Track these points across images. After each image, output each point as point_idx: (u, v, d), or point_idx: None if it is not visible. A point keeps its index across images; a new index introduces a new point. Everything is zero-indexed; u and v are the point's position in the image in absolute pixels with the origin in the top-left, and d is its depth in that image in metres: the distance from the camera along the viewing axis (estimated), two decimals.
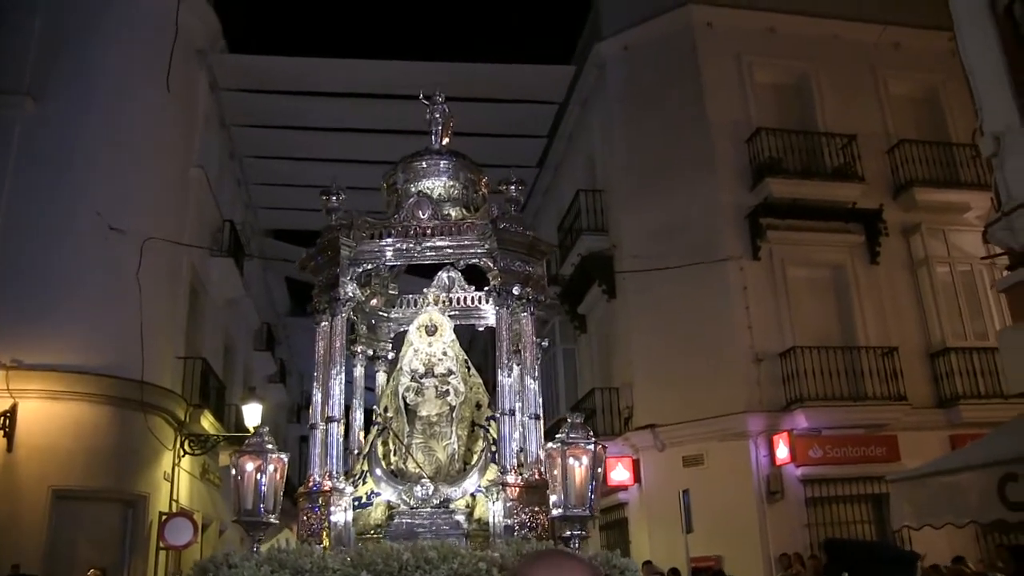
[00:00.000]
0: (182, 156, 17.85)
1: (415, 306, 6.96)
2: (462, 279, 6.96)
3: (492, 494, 5.36)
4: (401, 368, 6.39)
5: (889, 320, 17.73)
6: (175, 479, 16.65)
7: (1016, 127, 10.46)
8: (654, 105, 19.24)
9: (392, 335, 7.09)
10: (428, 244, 5.95)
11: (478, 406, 6.34)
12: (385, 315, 7.04)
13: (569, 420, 5.11)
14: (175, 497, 16.54)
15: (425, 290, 6.97)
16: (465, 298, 6.92)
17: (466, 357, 6.49)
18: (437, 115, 6.66)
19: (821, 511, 16.47)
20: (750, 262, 17.68)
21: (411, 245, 5.91)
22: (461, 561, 4.36)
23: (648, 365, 18.10)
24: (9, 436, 13.47)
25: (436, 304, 6.66)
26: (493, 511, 5.30)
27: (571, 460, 4.81)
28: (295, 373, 34.22)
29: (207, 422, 18.00)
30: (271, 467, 4.98)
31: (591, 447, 4.88)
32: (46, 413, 13.87)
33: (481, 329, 7.21)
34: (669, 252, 17.69)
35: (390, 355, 7.02)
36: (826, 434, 16.55)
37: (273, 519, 5.04)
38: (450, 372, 6.23)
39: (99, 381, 14.31)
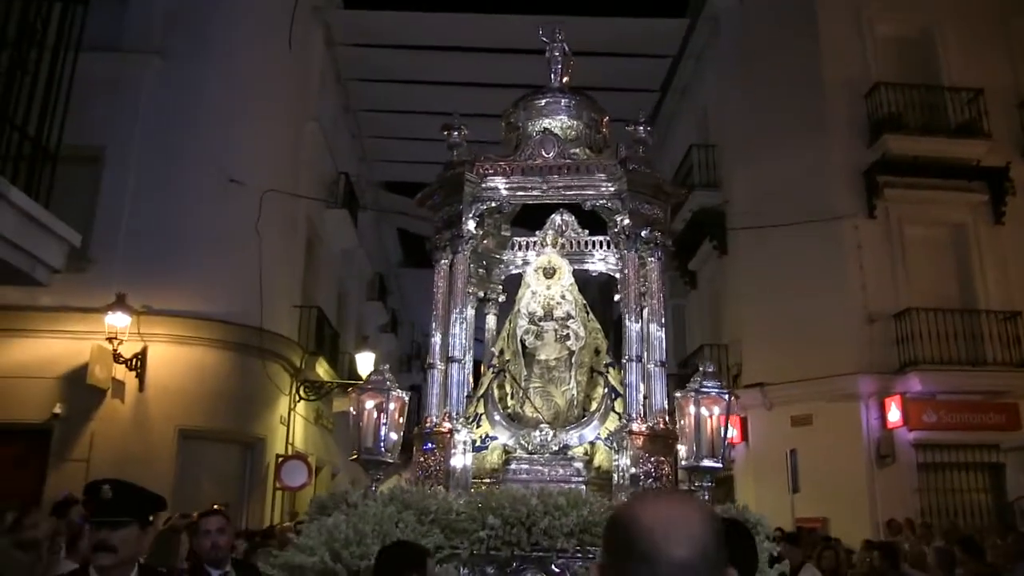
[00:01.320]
0: (299, 111, 17.98)
1: (527, 248, 6.66)
2: (575, 222, 6.62)
3: (617, 442, 5.09)
4: (519, 311, 6.12)
5: (1013, 283, 16.70)
6: (291, 423, 16.92)
7: None
8: (769, 59, 18.38)
9: (503, 277, 6.81)
10: (554, 183, 5.61)
11: (596, 352, 6.03)
12: (497, 257, 6.74)
13: (701, 368, 4.82)
14: (291, 440, 16.82)
15: (538, 233, 6.66)
16: (582, 241, 6.58)
17: (585, 302, 6.18)
18: (556, 53, 6.29)
19: (933, 477, 15.81)
20: (865, 220, 16.90)
21: (537, 183, 5.59)
22: (591, 509, 4.13)
23: (758, 323, 17.57)
24: (141, 377, 13.92)
25: (554, 246, 6.34)
26: (618, 460, 5.03)
27: (703, 409, 4.53)
28: (405, 323, 34.50)
29: (322, 369, 18.23)
30: (392, 406, 4.75)
31: (725, 396, 4.60)
32: (172, 357, 14.23)
33: (595, 274, 6.87)
34: (782, 209, 16.99)
35: (501, 298, 6.76)
36: (941, 399, 15.84)
37: (391, 459, 4.86)
38: (569, 316, 5.93)
39: (221, 327, 14.60)
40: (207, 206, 14.87)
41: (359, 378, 17.97)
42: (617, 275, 6.57)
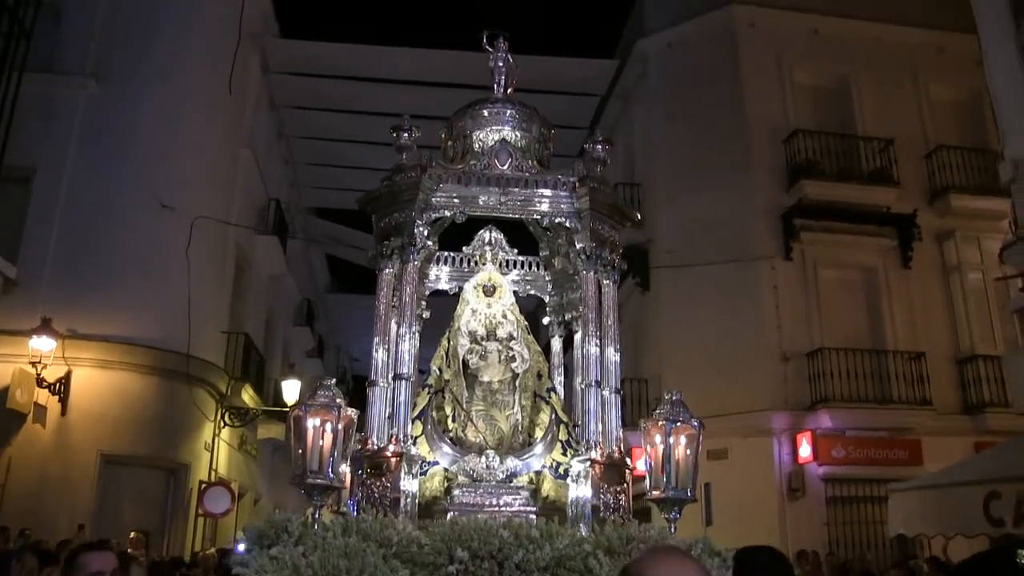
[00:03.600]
0: (233, 136, 17.52)
1: (457, 265, 6.07)
2: (504, 240, 6.03)
3: (573, 472, 4.66)
4: (459, 328, 5.61)
5: (918, 325, 16.96)
6: (215, 449, 16.33)
7: None
8: (694, 102, 18.54)
9: (428, 293, 6.13)
10: (514, 195, 5.10)
11: (539, 376, 5.57)
12: (423, 272, 5.99)
13: (668, 396, 4.50)
14: (214, 467, 16.24)
15: (464, 248, 6.09)
16: (510, 261, 6.04)
17: (526, 323, 5.72)
18: (500, 63, 5.79)
19: (841, 510, 15.85)
20: (782, 262, 17.00)
21: (495, 194, 5.07)
22: (564, 542, 3.74)
23: (678, 358, 17.38)
24: (63, 401, 13.38)
25: (494, 263, 5.85)
26: (575, 490, 4.58)
27: (672, 439, 4.19)
28: (332, 348, 33.80)
29: (247, 395, 17.64)
30: (341, 425, 4.18)
31: (695, 425, 4.27)
32: (97, 381, 13.72)
33: (523, 296, 6.35)
34: (703, 248, 17.06)
35: (426, 314, 6.06)
36: (850, 435, 15.95)
37: (340, 484, 4.29)
38: (512, 337, 5.49)
39: (147, 353, 14.10)
40: (137, 231, 14.46)
41: (284, 405, 17.45)
42: (545, 298, 6.18)
